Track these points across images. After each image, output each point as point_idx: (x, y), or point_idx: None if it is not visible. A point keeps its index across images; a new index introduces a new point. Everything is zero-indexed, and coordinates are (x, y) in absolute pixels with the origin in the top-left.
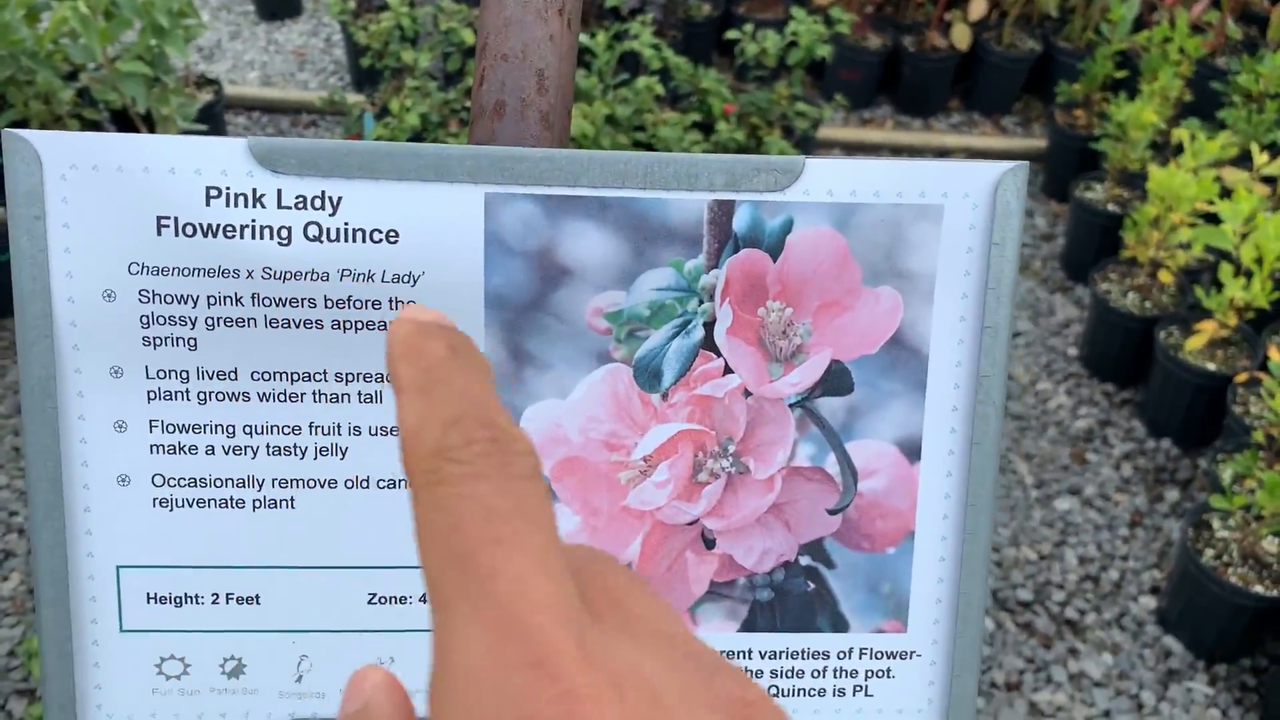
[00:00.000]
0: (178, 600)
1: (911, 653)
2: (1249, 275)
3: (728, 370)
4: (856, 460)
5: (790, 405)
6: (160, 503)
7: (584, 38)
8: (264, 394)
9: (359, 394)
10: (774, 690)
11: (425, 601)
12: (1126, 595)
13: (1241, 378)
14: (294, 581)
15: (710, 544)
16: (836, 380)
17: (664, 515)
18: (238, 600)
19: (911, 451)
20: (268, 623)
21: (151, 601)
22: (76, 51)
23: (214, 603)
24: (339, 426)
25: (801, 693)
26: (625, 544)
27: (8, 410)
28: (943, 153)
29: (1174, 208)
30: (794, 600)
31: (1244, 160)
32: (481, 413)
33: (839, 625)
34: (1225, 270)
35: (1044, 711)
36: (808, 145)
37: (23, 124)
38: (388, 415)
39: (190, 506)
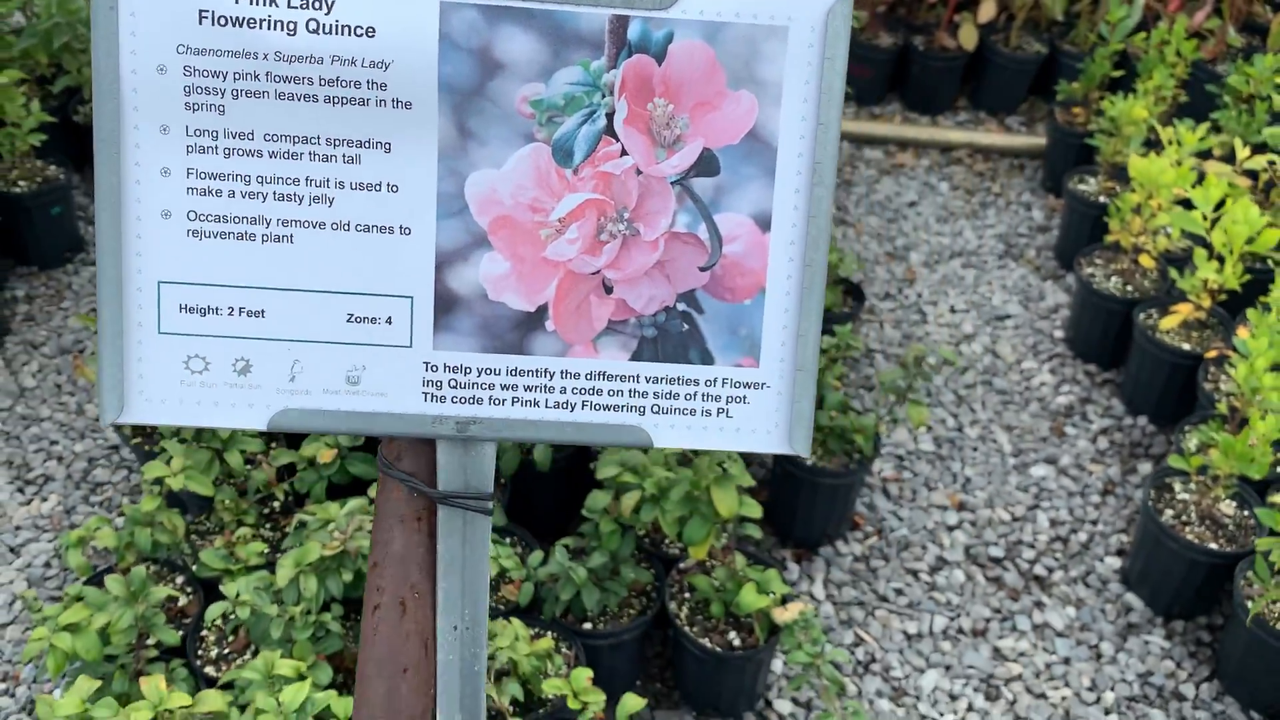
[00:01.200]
0: (202, 311)
1: (763, 384)
2: (1221, 260)
3: (624, 153)
4: (722, 229)
5: (672, 183)
6: (192, 233)
7: None
8: (272, 152)
9: (343, 156)
10: (656, 409)
11: (392, 323)
12: (1093, 555)
13: (1211, 354)
14: (291, 301)
15: (609, 290)
16: (707, 164)
17: (574, 266)
18: (247, 313)
19: (764, 223)
20: (270, 332)
21: (183, 311)
22: None
23: (229, 314)
24: (328, 181)
25: (677, 412)
26: (544, 287)
27: (52, 351)
28: (947, 147)
29: (1154, 195)
30: (672, 338)
31: (1235, 158)
32: None
33: (706, 359)
34: (1199, 254)
35: (1007, 656)
36: None
37: (77, 90)
38: (365, 174)
39: (215, 238)
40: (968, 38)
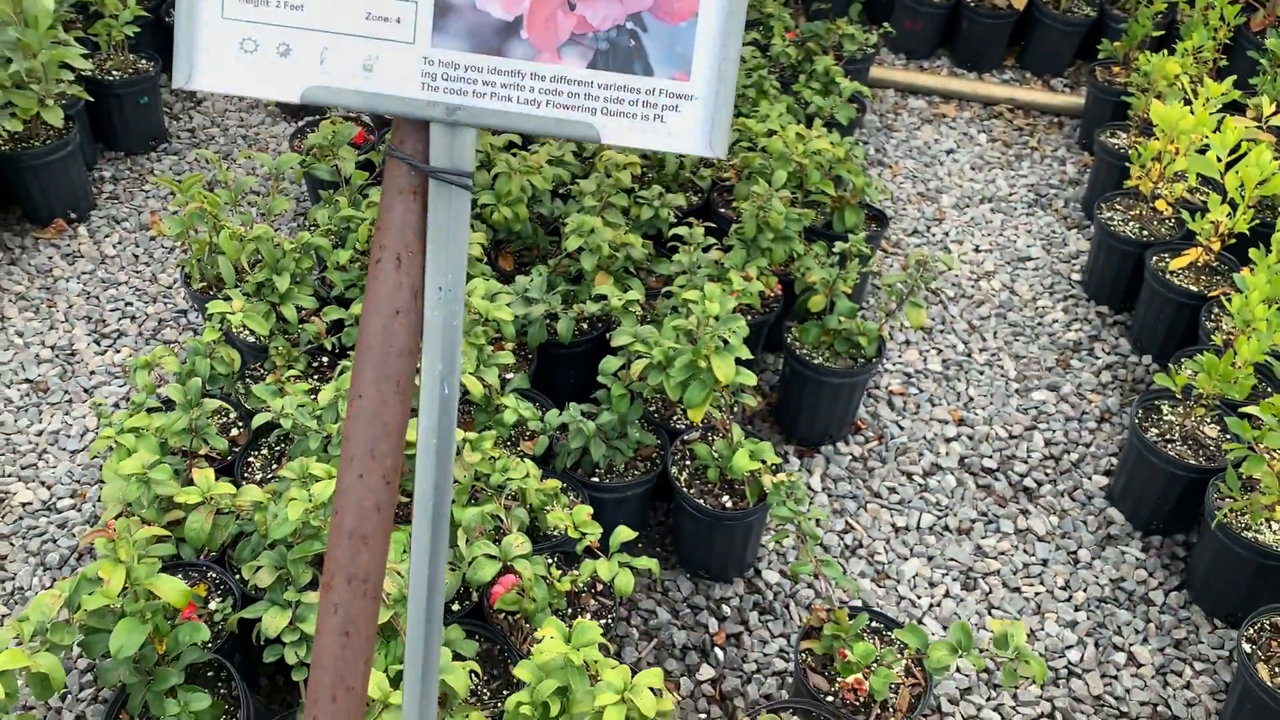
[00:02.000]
0: (255, 1)
1: (691, 95)
2: (1234, 205)
3: None
4: None
5: None
6: None
7: None
8: None
9: None
10: (605, 111)
11: (400, 22)
12: (1082, 473)
13: (1215, 293)
14: None
15: (572, 7)
16: None
17: None
18: (289, 6)
19: None
20: (306, 23)
21: (240, 1)
22: None
23: (275, 6)
24: None
25: (622, 115)
26: (522, 2)
27: (132, 227)
28: (990, 102)
29: (1175, 140)
30: (621, 51)
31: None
32: None
33: (648, 71)
34: (1214, 199)
35: (988, 554)
36: (858, 74)
37: None
38: None
39: None
40: None
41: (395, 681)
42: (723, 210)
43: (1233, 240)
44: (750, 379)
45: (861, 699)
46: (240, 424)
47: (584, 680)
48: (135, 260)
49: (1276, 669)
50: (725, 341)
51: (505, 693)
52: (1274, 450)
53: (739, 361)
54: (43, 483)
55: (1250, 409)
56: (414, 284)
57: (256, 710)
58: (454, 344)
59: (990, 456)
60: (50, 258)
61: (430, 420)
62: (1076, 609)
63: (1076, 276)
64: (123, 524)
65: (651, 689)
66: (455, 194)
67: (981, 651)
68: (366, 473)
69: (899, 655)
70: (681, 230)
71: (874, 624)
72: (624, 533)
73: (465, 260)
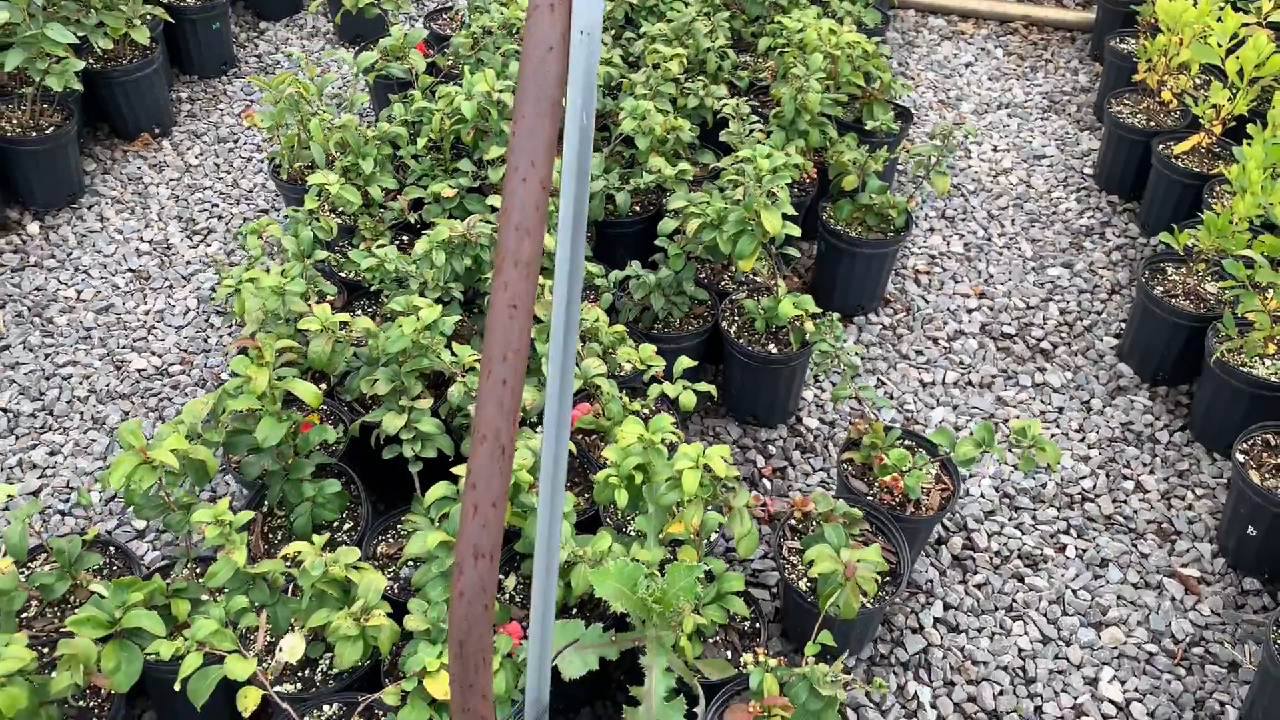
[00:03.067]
0: None
1: None
2: (1234, 91)
3: None
4: None
5: None
6: None
7: None
8: None
9: None
10: None
11: None
12: (1094, 336)
13: (1216, 170)
14: None
15: None
16: None
17: None
18: None
19: None
20: None
21: None
22: None
23: None
24: None
25: None
26: None
27: (211, 140)
28: (1005, 19)
29: (1179, 34)
30: None
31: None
32: None
33: None
34: (1215, 85)
35: (1008, 403)
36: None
37: None
38: None
39: None
40: None
41: None
42: (760, 110)
43: (1233, 123)
44: (795, 230)
45: (897, 497)
46: (337, 292)
47: (661, 456)
48: (217, 169)
49: (1266, 475)
50: (773, 196)
51: (587, 495)
52: (1267, 286)
53: (785, 217)
54: (154, 352)
55: (1245, 252)
56: (563, 26)
57: (373, 512)
58: (591, 83)
59: (1009, 324)
60: (139, 167)
61: (573, 141)
62: (1090, 447)
63: (1089, 171)
64: (262, 337)
65: (723, 458)
66: None
67: (1007, 447)
68: (528, 177)
69: (929, 459)
70: (728, 106)
71: (906, 442)
72: (685, 361)
73: (601, 12)
